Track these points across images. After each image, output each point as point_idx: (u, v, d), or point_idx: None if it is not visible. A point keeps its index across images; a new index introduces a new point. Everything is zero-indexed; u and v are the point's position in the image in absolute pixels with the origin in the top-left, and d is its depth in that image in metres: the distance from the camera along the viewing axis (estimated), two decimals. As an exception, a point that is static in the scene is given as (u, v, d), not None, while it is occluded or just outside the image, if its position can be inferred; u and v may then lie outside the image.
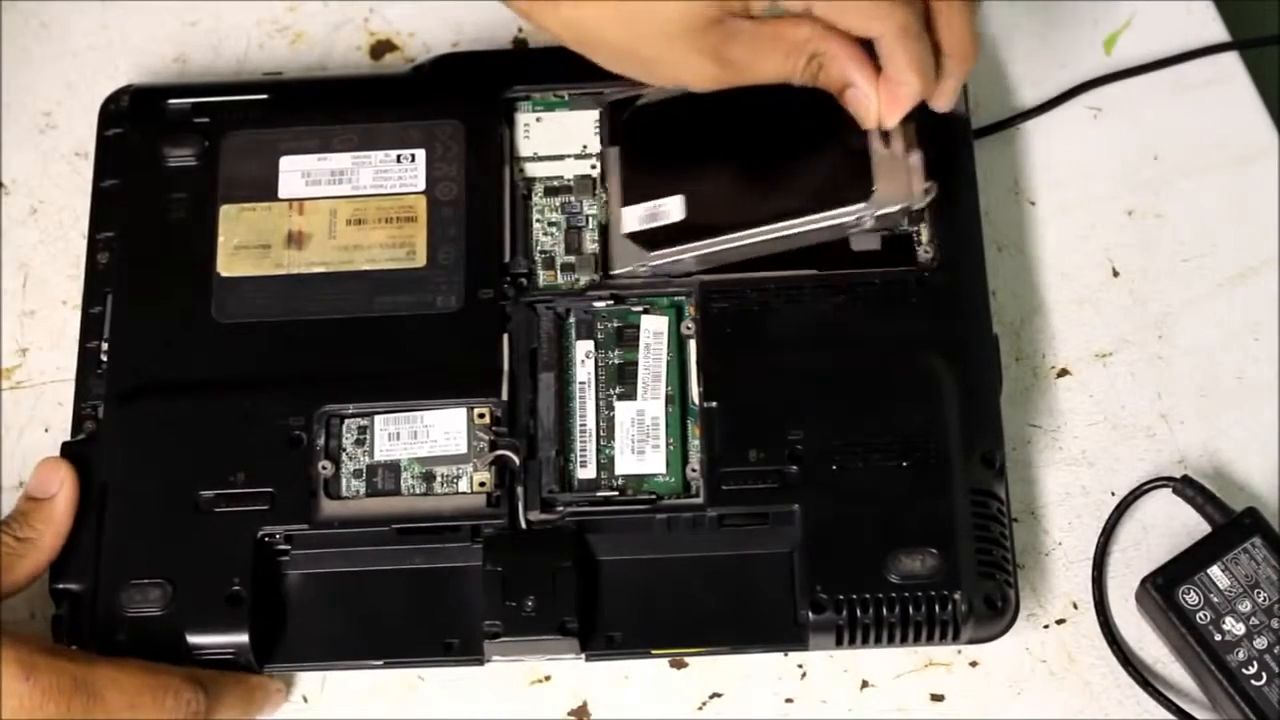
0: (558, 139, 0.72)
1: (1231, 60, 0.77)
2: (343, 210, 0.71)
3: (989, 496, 0.66)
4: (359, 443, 0.67)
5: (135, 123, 0.73)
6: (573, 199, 0.71)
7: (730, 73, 0.64)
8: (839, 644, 0.64)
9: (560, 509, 0.66)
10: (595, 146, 0.72)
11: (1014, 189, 0.75)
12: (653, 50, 0.64)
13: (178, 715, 0.62)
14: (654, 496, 0.66)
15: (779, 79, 0.65)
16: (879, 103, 0.65)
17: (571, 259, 0.70)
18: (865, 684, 0.67)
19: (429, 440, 0.67)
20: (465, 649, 0.65)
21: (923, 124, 0.70)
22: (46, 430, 0.72)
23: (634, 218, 0.70)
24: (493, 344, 0.68)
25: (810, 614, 0.64)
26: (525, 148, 0.72)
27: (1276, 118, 0.76)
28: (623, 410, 0.67)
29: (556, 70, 0.73)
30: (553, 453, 0.66)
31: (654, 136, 0.71)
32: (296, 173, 0.71)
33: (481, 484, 0.66)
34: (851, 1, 0.63)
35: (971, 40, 0.65)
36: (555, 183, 0.72)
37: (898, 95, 0.65)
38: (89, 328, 0.70)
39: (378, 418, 0.67)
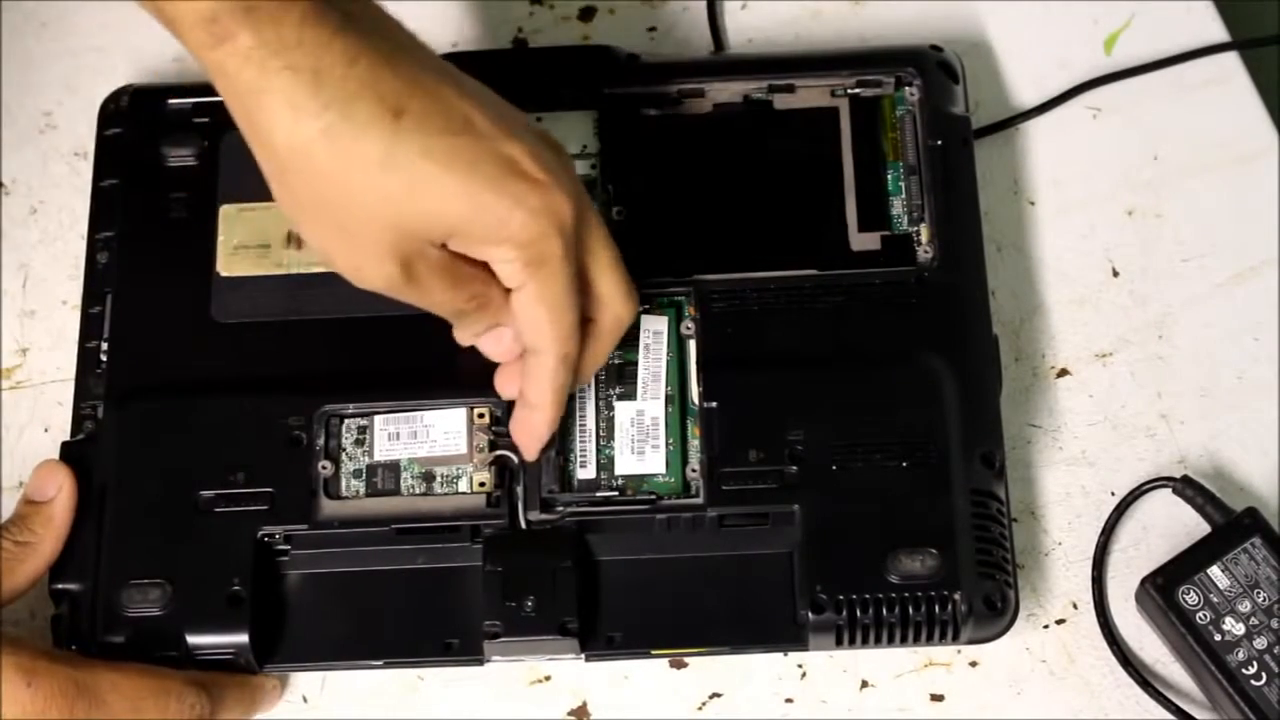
0: (558, 139, 0.72)
1: (1231, 60, 0.77)
2: (343, 210, 0.70)
3: (989, 497, 0.66)
4: (359, 443, 0.67)
5: (135, 123, 0.73)
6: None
7: (408, 289, 0.60)
8: (839, 644, 0.64)
9: (560, 509, 0.66)
10: (595, 146, 0.72)
11: (1014, 189, 0.75)
12: (347, 229, 0.59)
13: (180, 718, 0.62)
14: (654, 496, 0.66)
15: (439, 312, 0.62)
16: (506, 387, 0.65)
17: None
18: (865, 684, 0.67)
19: (429, 440, 0.67)
20: (465, 649, 0.65)
21: (923, 123, 0.71)
22: (46, 430, 0.72)
23: None
24: (493, 344, 0.68)
25: (810, 614, 0.64)
26: (525, 148, 0.72)
27: (1276, 118, 0.76)
28: (622, 410, 0.67)
29: (557, 70, 0.73)
30: (553, 453, 0.66)
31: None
32: (296, 173, 0.71)
33: (481, 484, 0.66)
34: (545, 310, 0.60)
35: (594, 372, 0.65)
36: (555, 183, 0.72)
37: (525, 421, 0.64)
38: (89, 328, 0.70)
39: (377, 418, 0.67)
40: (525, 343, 0.62)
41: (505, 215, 0.58)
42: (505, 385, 0.65)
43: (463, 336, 0.64)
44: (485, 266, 0.60)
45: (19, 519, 0.65)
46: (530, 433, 0.65)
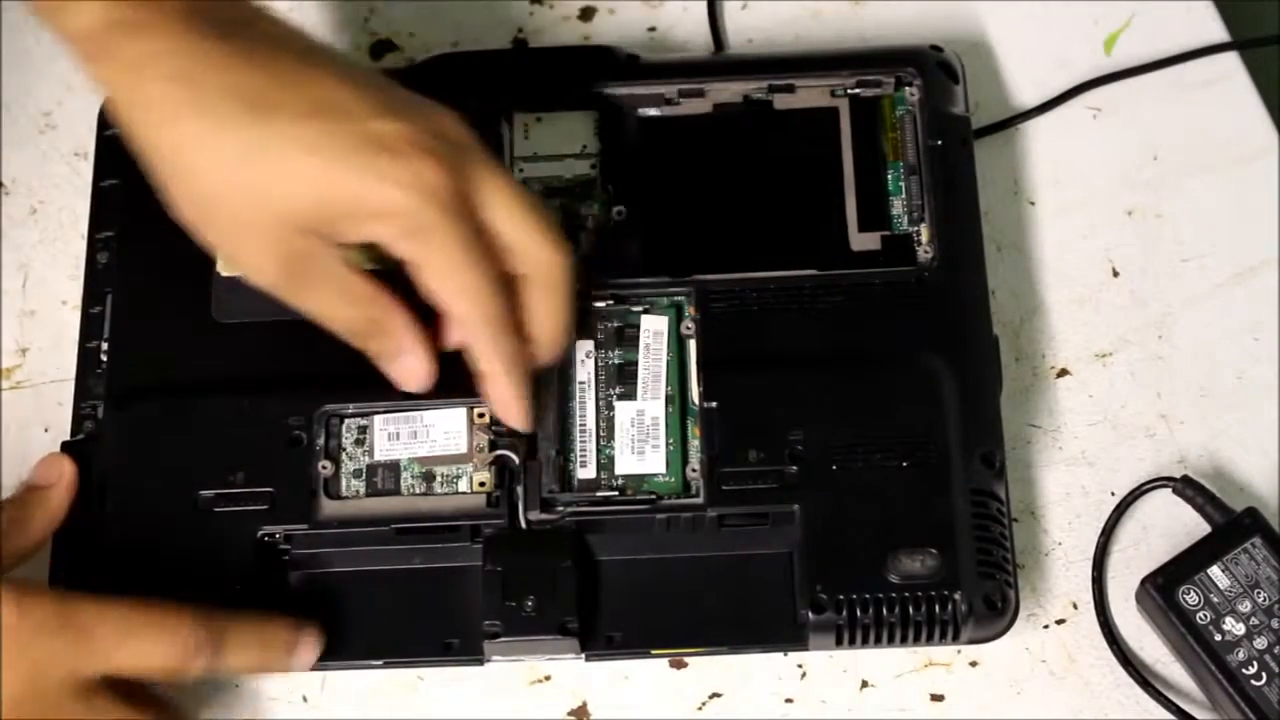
0: (558, 139, 0.72)
1: (1231, 60, 0.77)
2: (342, 210, 0.70)
3: (989, 496, 0.66)
4: (359, 442, 0.67)
5: (135, 123, 0.73)
6: (573, 199, 0.71)
7: (294, 287, 0.62)
8: (839, 644, 0.64)
9: (560, 509, 0.66)
10: (595, 146, 0.72)
11: (1014, 189, 0.75)
12: (231, 225, 0.61)
13: (174, 654, 0.61)
14: (654, 496, 0.66)
15: (333, 326, 0.63)
16: (428, 373, 0.64)
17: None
18: (865, 684, 0.67)
19: (429, 440, 0.67)
20: (465, 649, 0.65)
21: (923, 123, 0.71)
22: (46, 430, 0.72)
23: None
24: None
25: (810, 614, 0.64)
26: (525, 148, 0.72)
27: (1276, 118, 0.76)
28: (623, 410, 0.67)
29: (557, 70, 0.73)
30: (553, 452, 0.66)
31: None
32: (296, 173, 0.71)
33: (481, 484, 0.66)
34: (449, 277, 0.61)
35: (561, 332, 0.64)
36: (555, 183, 0.72)
37: (491, 393, 0.64)
38: (89, 328, 0.70)
39: (377, 418, 0.67)
40: (451, 316, 0.63)
41: (371, 190, 0.59)
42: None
43: (377, 360, 0.65)
44: (388, 291, 0.62)
45: (14, 499, 0.66)
46: (502, 402, 0.64)
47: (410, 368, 0.64)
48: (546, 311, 0.64)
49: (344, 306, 0.62)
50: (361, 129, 0.59)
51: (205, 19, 0.60)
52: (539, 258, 0.63)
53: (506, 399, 0.64)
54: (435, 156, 0.60)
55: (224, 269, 0.68)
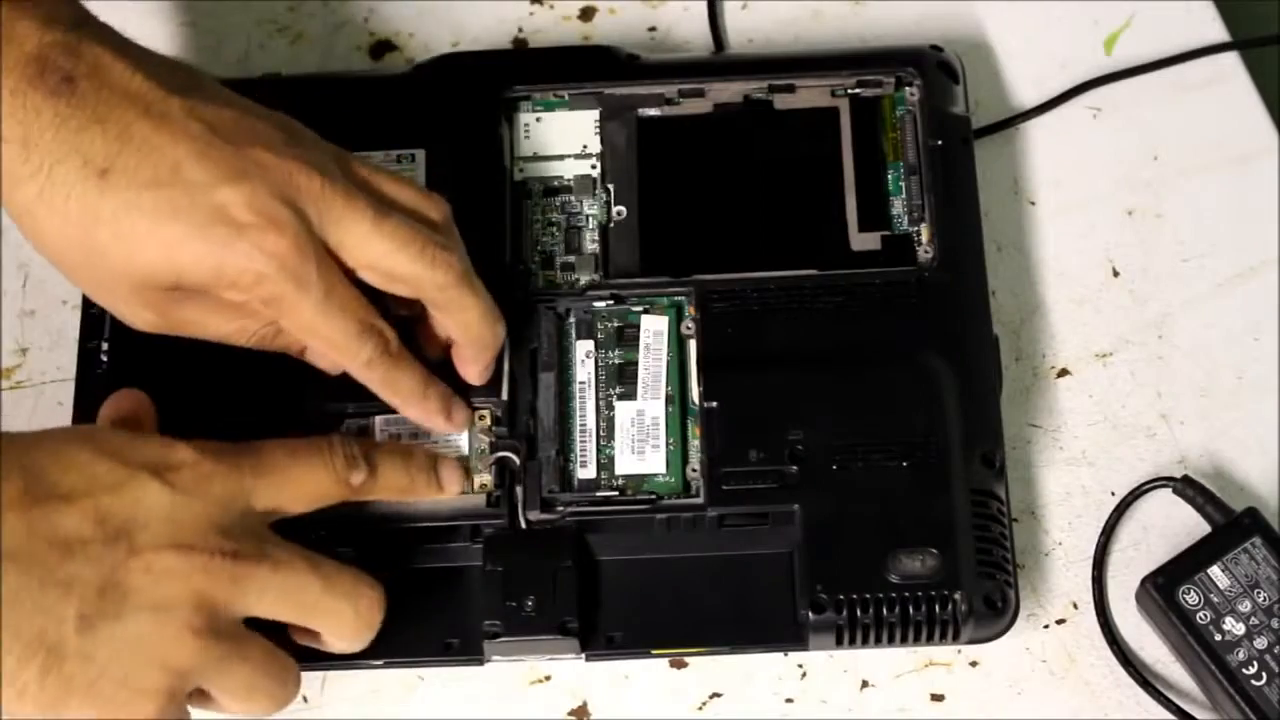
0: (558, 139, 0.72)
1: (1231, 60, 0.77)
2: (342, 210, 0.70)
3: (989, 496, 0.66)
4: (359, 443, 0.67)
5: (135, 123, 0.73)
6: (573, 199, 0.71)
7: (177, 328, 0.63)
8: (839, 644, 0.64)
9: (560, 509, 0.66)
10: (595, 146, 0.72)
11: (1014, 189, 0.75)
12: (92, 281, 0.62)
13: (336, 475, 0.62)
14: (654, 496, 0.66)
15: (231, 340, 0.64)
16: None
17: (571, 259, 0.70)
18: (865, 684, 0.67)
19: (429, 441, 0.67)
20: (465, 649, 0.65)
21: (923, 123, 0.71)
22: (46, 430, 0.72)
23: None
24: (492, 344, 0.68)
25: (810, 614, 0.64)
26: (525, 148, 0.72)
27: (1276, 118, 0.76)
28: (623, 410, 0.67)
29: (557, 70, 0.73)
30: (553, 453, 0.66)
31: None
32: (296, 173, 0.71)
33: (482, 485, 0.66)
34: (315, 336, 0.61)
35: (478, 326, 0.64)
36: (555, 183, 0.72)
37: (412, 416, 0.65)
38: (89, 328, 0.70)
39: (377, 418, 0.67)
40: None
41: (218, 263, 0.59)
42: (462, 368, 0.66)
43: (307, 357, 0.65)
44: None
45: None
46: (421, 423, 0.65)
47: (321, 355, 0.65)
48: (450, 319, 0.64)
49: (235, 323, 0.63)
50: (205, 200, 0.58)
51: (49, 72, 0.58)
52: (414, 277, 0.62)
53: (422, 419, 0.65)
54: (276, 225, 0.59)
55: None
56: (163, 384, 0.68)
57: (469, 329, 0.64)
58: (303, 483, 0.62)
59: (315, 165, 0.60)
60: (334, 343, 0.62)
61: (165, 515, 0.58)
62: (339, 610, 0.61)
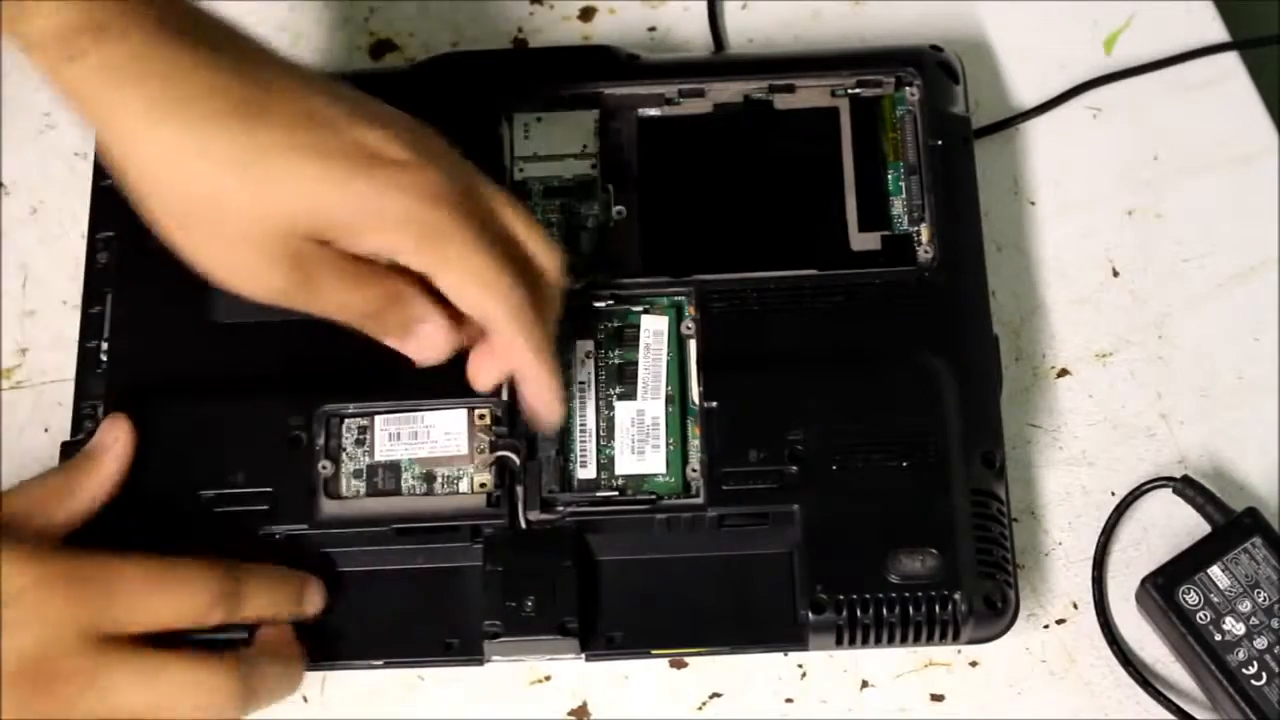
0: (558, 139, 0.72)
1: (1231, 60, 0.77)
2: (342, 210, 0.70)
3: (989, 496, 0.66)
4: (359, 443, 0.67)
5: (135, 123, 0.73)
6: (573, 199, 0.71)
7: (300, 291, 0.59)
8: (839, 644, 0.64)
9: (560, 509, 0.66)
10: (595, 146, 0.72)
11: (1014, 189, 0.75)
12: (222, 236, 0.58)
13: (196, 604, 0.60)
14: (654, 496, 0.66)
15: (346, 312, 0.61)
16: (449, 339, 0.62)
17: (571, 259, 0.70)
18: (865, 684, 0.67)
19: (430, 441, 0.67)
20: (465, 649, 0.65)
21: (923, 123, 0.71)
22: (46, 430, 0.72)
23: None
24: (492, 344, 0.68)
25: (810, 614, 0.64)
26: (525, 148, 0.72)
27: (1276, 118, 0.76)
28: (623, 410, 0.67)
29: (556, 70, 0.73)
30: (553, 453, 0.66)
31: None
32: (296, 173, 0.71)
33: (482, 485, 0.66)
34: (474, 276, 0.59)
35: (539, 403, 0.63)
36: (555, 183, 0.72)
37: (530, 395, 0.63)
38: (89, 328, 0.70)
39: (378, 418, 0.67)
40: (479, 322, 0.61)
41: (378, 199, 0.58)
42: (478, 375, 0.64)
43: (389, 341, 0.63)
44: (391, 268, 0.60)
45: (75, 461, 0.65)
46: (542, 401, 0.63)
47: (430, 335, 0.62)
48: (511, 369, 0.63)
49: (355, 293, 0.60)
50: (354, 139, 0.58)
51: (178, 25, 0.57)
52: (544, 259, 0.62)
53: (543, 391, 0.63)
54: (434, 165, 0.59)
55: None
56: (162, 383, 0.68)
57: (527, 396, 0.64)
58: (158, 612, 0.60)
59: (429, 128, 0.61)
60: (494, 284, 0.59)
61: None
62: (184, 700, 0.59)
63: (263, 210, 0.57)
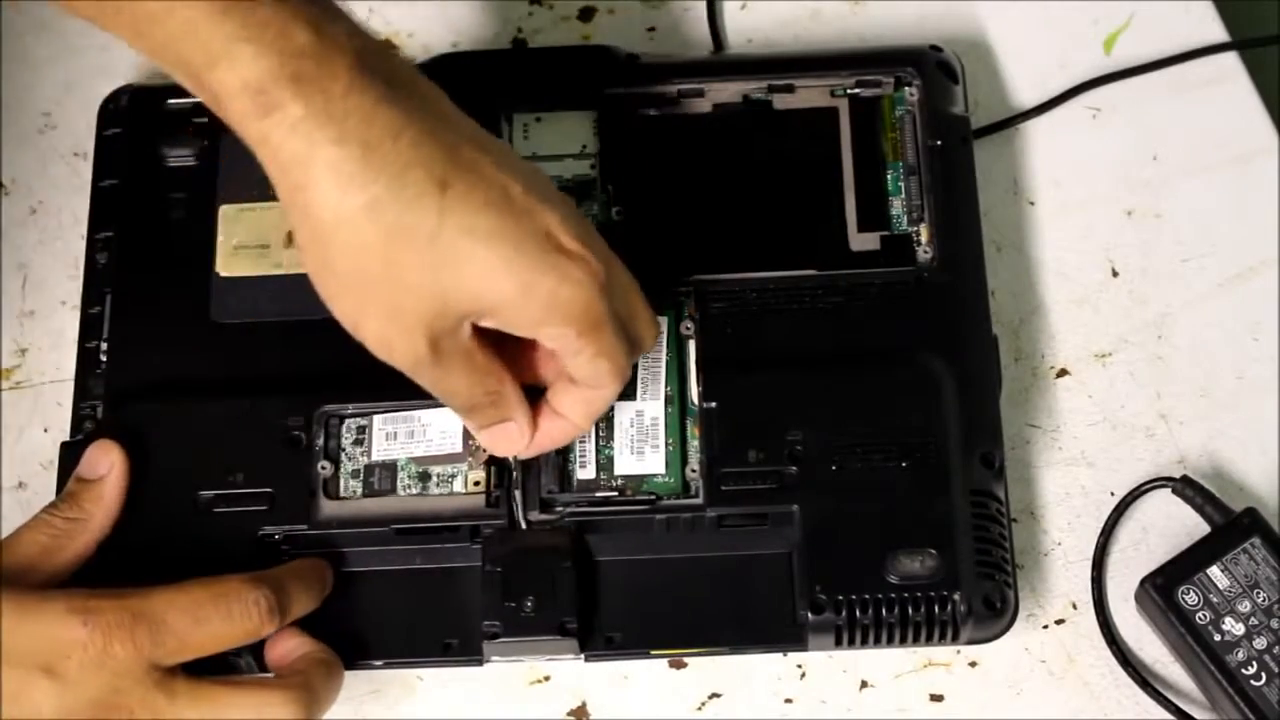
0: (557, 139, 0.72)
1: (1231, 60, 0.77)
2: (342, 210, 0.70)
3: (988, 497, 0.66)
4: (358, 443, 0.67)
5: (135, 123, 0.73)
6: (572, 199, 0.71)
7: (432, 367, 0.59)
8: (838, 644, 0.64)
9: (559, 509, 0.66)
10: (595, 146, 0.72)
11: (1014, 189, 0.75)
12: (387, 303, 0.57)
13: (249, 620, 0.61)
14: (653, 497, 0.66)
15: (452, 402, 0.62)
16: (530, 439, 0.64)
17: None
18: (865, 684, 0.67)
19: (425, 439, 0.67)
20: (464, 649, 0.65)
21: (923, 123, 0.71)
22: (46, 430, 0.72)
23: None
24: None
25: (809, 614, 0.64)
26: (525, 148, 0.72)
27: (1276, 118, 0.76)
28: (622, 410, 0.67)
29: (556, 70, 0.73)
30: (552, 452, 0.66)
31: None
32: (296, 173, 0.71)
33: (476, 483, 0.66)
34: (611, 361, 0.61)
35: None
36: (555, 183, 0.72)
37: (557, 435, 0.65)
38: (89, 328, 0.70)
39: (376, 418, 0.67)
40: (583, 384, 0.62)
41: (552, 293, 0.57)
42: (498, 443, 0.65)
43: (472, 427, 0.64)
44: (504, 359, 0.61)
45: (70, 495, 0.65)
46: (554, 443, 0.65)
47: (511, 434, 0.63)
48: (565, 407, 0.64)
49: (471, 382, 0.60)
50: (534, 224, 0.57)
51: (374, 77, 0.55)
52: (647, 337, 0.63)
53: (561, 444, 0.65)
54: (594, 251, 0.59)
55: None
56: (162, 384, 0.68)
57: (544, 443, 0.65)
58: (217, 636, 0.61)
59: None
60: (620, 367, 0.61)
61: (55, 707, 0.58)
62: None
63: (440, 289, 0.57)
